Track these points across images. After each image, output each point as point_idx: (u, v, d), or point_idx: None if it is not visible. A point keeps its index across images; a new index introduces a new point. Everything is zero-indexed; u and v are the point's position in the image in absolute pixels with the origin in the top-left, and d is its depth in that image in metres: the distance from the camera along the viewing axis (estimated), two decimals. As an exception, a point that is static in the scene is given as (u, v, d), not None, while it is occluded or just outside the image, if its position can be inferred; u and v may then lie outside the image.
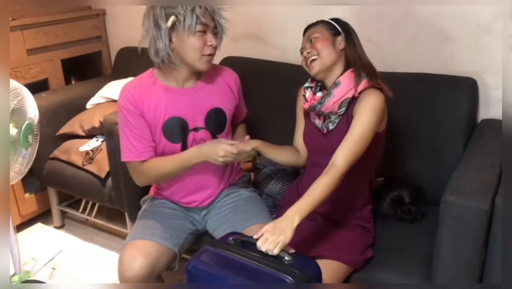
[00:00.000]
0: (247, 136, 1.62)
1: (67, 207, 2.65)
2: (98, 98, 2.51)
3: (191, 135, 1.63)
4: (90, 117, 2.37)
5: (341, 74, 1.51)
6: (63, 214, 2.67)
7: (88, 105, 2.53)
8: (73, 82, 2.93)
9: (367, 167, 1.54)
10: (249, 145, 1.57)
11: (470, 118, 1.80)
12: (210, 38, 1.52)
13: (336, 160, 1.39)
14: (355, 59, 1.51)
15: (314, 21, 1.60)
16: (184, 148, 1.63)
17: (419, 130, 1.84)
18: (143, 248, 1.54)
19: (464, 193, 1.32)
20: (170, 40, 1.51)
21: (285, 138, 1.80)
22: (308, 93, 1.59)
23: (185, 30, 1.48)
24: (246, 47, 2.40)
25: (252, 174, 1.94)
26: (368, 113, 1.42)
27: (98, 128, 2.31)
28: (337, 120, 1.52)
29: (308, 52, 1.52)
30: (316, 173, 1.48)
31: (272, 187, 1.84)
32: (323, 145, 1.57)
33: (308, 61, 1.53)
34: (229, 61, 2.29)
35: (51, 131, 2.45)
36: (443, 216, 1.33)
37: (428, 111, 1.83)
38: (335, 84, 1.50)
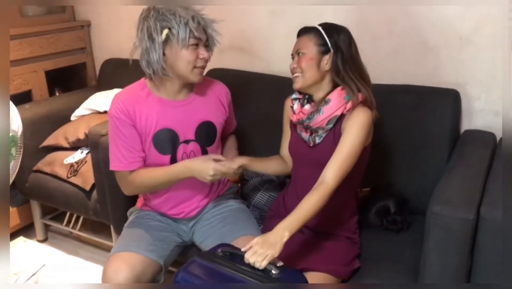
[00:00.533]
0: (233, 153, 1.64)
1: (51, 220, 2.61)
2: (83, 110, 2.49)
3: (181, 148, 1.63)
4: (75, 129, 2.35)
5: (331, 90, 1.52)
6: (46, 227, 2.63)
7: (72, 117, 2.50)
8: (57, 94, 2.90)
9: (353, 179, 1.55)
10: (236, 162, 1.58)
11: (453, 129, 1.83)
12: (202, 51, 1.54)
13: (325, 177, 1.40)
14: (343, 79, 1.49)
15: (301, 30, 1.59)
16: (173, 160, 1.63)
17: (404, 140, 1.86)
18: (128, 260, 1.52)
19: (450, 203, 1.33)
20: (163, 53, 1.51)
21: (271, 149, 1.81)
22: (296, 105, 1.60)
23: (179, 44, 1.49)
24: (232, 59, 2.41)
25: (239, 185, 1.94)
26: (356, 131, 1.44)
27: (83, 140, 2.28)
28: (324, 135, 1.53)
29: (294, 67, 1.53)
30: (301, 185, 1.49)
31: (259, 198, 1.84)
32: (308, 157, 1.58)
33: (293, 75, 1.54)
34: (215, 73, 2.30)
35: (35, 143, 2.41)
36: (430, 226, 1.34)
37: (412, 122, 1.85)
38: (325, 102, 1.50)
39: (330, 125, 1.50)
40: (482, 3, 1.79)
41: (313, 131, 1.55)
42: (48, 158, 2.39)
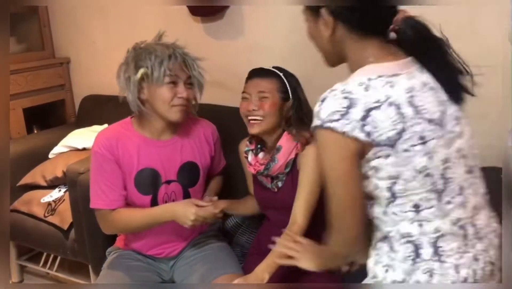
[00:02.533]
0: (215, 198, 1.62)
1: (27, 261, 2.54)
2: (61, 147, 2.46)
3: (162, 188, 1.61)
4: (52, 167, 2.31)
5: (280, 134, 1.54)
6: (22, 268, 2.55)
7: (50, 155, 2.47)
8: (35, 131, 2.87)
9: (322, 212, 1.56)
10: (218, 207, 1.57)
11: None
12: (181, 90, 1.53)
13: (295, 218, 1.44)
14: (296, 123, 1.52)
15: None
16: (154, 200, 1.61)
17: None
18: None
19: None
20: (140, 92, 1.52)
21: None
22: (250, 157, 1.62)
23: (154, 82, 1.50)
24: (211, 95, 2.40)
25: (221, 221, 1.91)
26: (311, 167, 1.47)
27: (61, 178, 2.25)
28: (284, 178, 1.55)
29: (254, 110, 1.52)
30: (273, 225, 1.57)
31: (240, 235, 1.82)
32: (273, 201, 1.61)
33: (250, 118, 1.53)
34: (194, 109, 2.31)
35: (11, 182, 2.36)
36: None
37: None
38: (277, 150, 1.52)
39: (288, 168, 1.53)
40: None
41: (273, 178, 1.57)
42: (25, 196, 2.34)
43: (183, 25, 2.40)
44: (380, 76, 0.92)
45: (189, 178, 1.66)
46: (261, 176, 1.60)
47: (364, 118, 0.88)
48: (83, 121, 2.73)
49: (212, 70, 2.40)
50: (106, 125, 2.41)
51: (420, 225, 0.95)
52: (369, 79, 0.92)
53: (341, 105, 0.89)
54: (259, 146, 1.60)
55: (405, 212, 0.95)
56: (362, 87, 0.91)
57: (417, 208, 0.94)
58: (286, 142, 1.52)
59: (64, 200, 2.21)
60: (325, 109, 0.90)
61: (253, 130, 1.53)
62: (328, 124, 0.88)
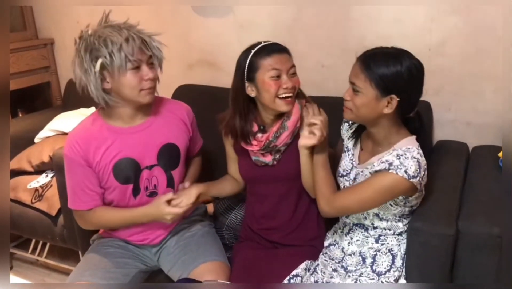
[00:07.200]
0: (187, 184, 1.59)
1: (15, 248, 2.50)
2: (47, 131, 2.40)
3: (144, 174, 1.57)
4: (39, 152, 2.26)
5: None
6: (11, 256, 2.51)
7: (36, 139, 2.41)
8: (20, 115, 2.80)
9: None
10: (193, 195, 1.53)
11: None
12: (146, 72, 1.46)
13: None
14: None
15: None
16: (136, 187, 1.57)
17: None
18: None
19: (430, 218, 1.32)
20: (104, 81, 1.44)
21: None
22: (251, 138, 1.55)
23: (116, 71, 1.41)
24: (201, 74, 2.37)
25: (207, 206, 1.88)
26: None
27: (48, 163, 2.19)
28: (283, 149, 1.52)
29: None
30: (260, 202, 1.57)
31: (233, 218, 1.79)
32: (268, 176, 1.57)
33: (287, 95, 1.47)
34: (184, 89, 2.26)
35: (-4, 168, 2.31)
36: (410, 242, 1.33)
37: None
38: (287, 117, 1.50)
39: (292, 138, 1.51)
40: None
41: (275, 152, 1.53)
42: (11, 182, 2.28)
43: (170, 4, 2.33)
44: (418, 147, 1.32)
45: (170, 160, 1.60)
46: (259, 154, 1.55)
47: (422, 176, 1.29)
48: (69, 104, 2.66)
49: (201, 49, 2.36)
50: (93, 108, 2.35)
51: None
52: (418, 148, 1.32)
53: (416, 167, 1.26)
54: (261, 127, 1.55)
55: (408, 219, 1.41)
56: (419, 155, 1.30)
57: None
58: (296, 111, 1.50)
59: (51, 185, 2.16)
60: (410, 169, 1.26)
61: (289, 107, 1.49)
62: (412, 180, 1.26)
